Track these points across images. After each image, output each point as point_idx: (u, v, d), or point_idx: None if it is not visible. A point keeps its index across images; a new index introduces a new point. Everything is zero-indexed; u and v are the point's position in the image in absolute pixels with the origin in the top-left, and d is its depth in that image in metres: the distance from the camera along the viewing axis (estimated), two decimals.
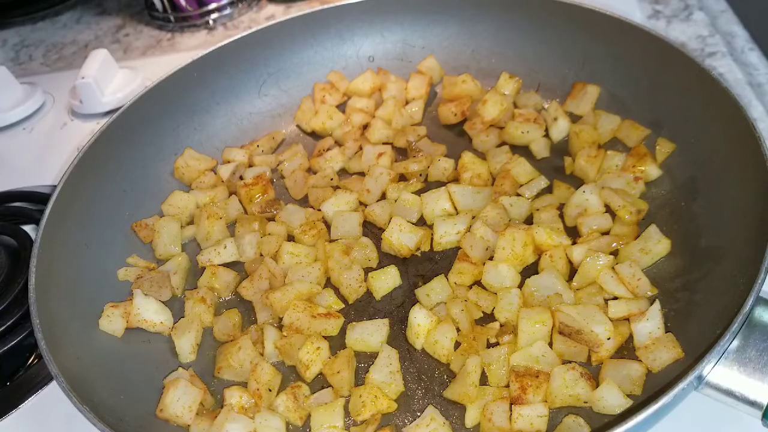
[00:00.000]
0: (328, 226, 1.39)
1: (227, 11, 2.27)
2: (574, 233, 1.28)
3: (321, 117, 1.62)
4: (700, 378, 0.93)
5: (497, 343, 1.15)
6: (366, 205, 1.42)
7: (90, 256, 1.34)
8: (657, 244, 1.20)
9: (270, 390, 1.14)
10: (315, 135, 1.65)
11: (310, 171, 1.55)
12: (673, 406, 0.94)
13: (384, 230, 1.33)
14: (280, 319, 1.25)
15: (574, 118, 1.48)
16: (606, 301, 1.16)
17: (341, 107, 1.66)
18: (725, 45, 1.70)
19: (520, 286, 1.20)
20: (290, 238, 1.40)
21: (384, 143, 1.56)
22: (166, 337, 1.27)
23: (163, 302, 1.30)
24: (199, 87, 1.62)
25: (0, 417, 1.24)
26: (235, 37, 1.64)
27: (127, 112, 1.51)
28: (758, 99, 1.54)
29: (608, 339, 1.09)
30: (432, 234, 1.33)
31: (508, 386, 1.09)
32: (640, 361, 1.06)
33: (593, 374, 1.07)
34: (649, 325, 1.09)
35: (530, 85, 1.58)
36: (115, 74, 1.92)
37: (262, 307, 1.27)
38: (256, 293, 1.29)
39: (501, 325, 1.17)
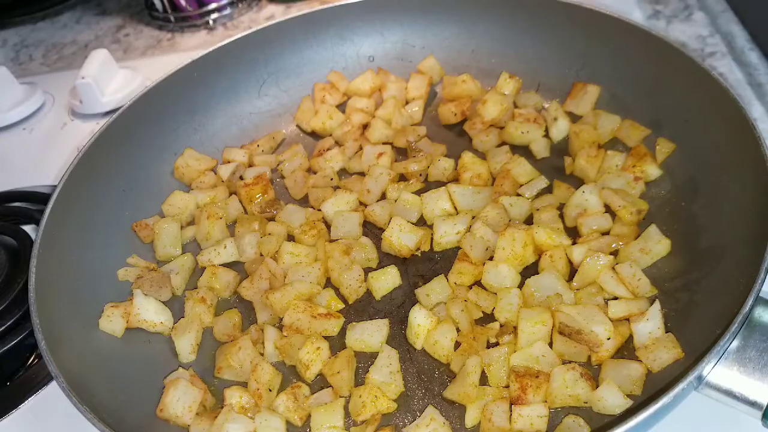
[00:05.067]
0: (328, 226, 1.39)
1: (227, 11, 2.27)
2: (574, 233, 1.28)
3: (321, 117, 1.62)
4: (700, 378, 0.93)
5: (497, 343, 1.15)
6: (366, 205, 1.42)
7: (90, 256, 1.34)
8: (657, 244, 1.20)
9: (270, 390, 1.14)
10: (315, 135, 1.65)
11: (310, 171, 1.55)
12: (673, 406, 0.94)
13: (384, 230, 1.33)
14: (280, 319, 1.25)
15: (574, 118, 1.48)
16: (606, 301, 1.16)
17: (341, 107, 1.66)
18: (725, 45, 1.70)
19: (520, 286, 1.20)
20: (290, 238, 1.40)
21: (384, 143, 1.56)
22: (166, 337, 1.27)
23: (163, 302, 1.30)
24: (199, 87, 1.62)
25: (0, 417, 1.24)
26: (235, 37, 1.64)
27: (127, 112, 1.51)
28: (758, 99, 1.54)
29: (608, 339, 1.09)
30: (432, 234, 1.33)
31: (508, 386, 1.09)
32: (640, 361, 1.06)
33: (593, 374, 1.07)
34: (649, 325, 1.09)
35: (530, 85, 1.58)
36: (115, 74, 1.92)
37: (262, 307, 1.27)
38: (256, 293, 1.29)
39: (501, 325, 1.17)
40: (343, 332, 1.21)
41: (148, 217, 1.46)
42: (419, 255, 1.33)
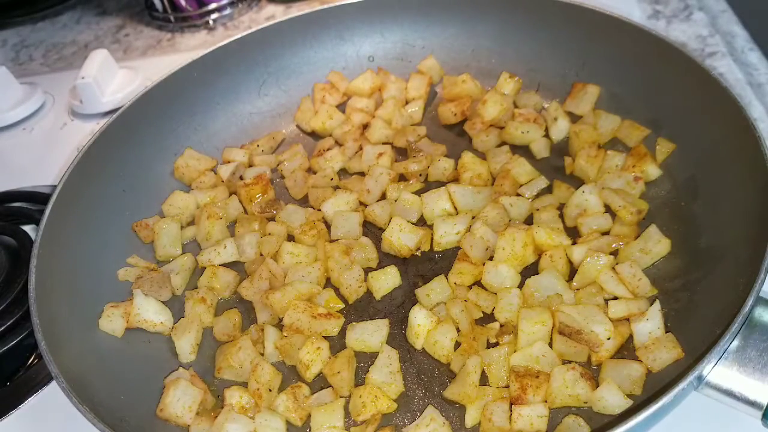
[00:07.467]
0: (328, 226, 1.39)
1: (227, 11, 2.27)
2: (574, 233, 1.28)
3: (321, 117, 1.62)
4: (700, 378, 0.93)
5: (497, 343, 1.15)
6: (366, 205, 1.42)
7: (90, 256, 1.34)
8: (657, 244, 1.20)
9: (270, 390, 1.14)
10: (315, 135, 1.65)
11: (310, 171, 1.55)
12: (673, 406, 0.94)
13: (384, 230, 1.33)
14: (280, 319, 1.25)
15: (574, 118, 1.48)
16: (606, 301, 1.16)
17: (341, 107, 1.66)
18: (725, 45, 1.70)
19: (520, 286, 1.20)
20: (290, 238, 1.40)
21: (384, 143, 1.55)
22: (166, 337, 1.27)
23: (163, 302, 1.30)
24: (199, 87, 1.62)
25: (0, 417, 1.24)
26: (235, 37, 1.64)
27: (127, 112, 1.51)
28: (758, 99, 1.54)
29: (608, 339, 1.09)
30: (432, 234, 1.33)
31: (508, 386, 1.09)
32: (640, 361, 1.06)
33: (593, 374, 1.07)
34: (649, 325, 1.09)
35: (530, 85, 1.58)
36: (115, 74, 1.92)
37: (262, 307, 1.27)
38: (256, 293, 1.29)
39: (501, 325, 1.17)
40: (343, 332, 1.21)
41: (148, 217, 1.46)
42: (419, 255, 1.33)
